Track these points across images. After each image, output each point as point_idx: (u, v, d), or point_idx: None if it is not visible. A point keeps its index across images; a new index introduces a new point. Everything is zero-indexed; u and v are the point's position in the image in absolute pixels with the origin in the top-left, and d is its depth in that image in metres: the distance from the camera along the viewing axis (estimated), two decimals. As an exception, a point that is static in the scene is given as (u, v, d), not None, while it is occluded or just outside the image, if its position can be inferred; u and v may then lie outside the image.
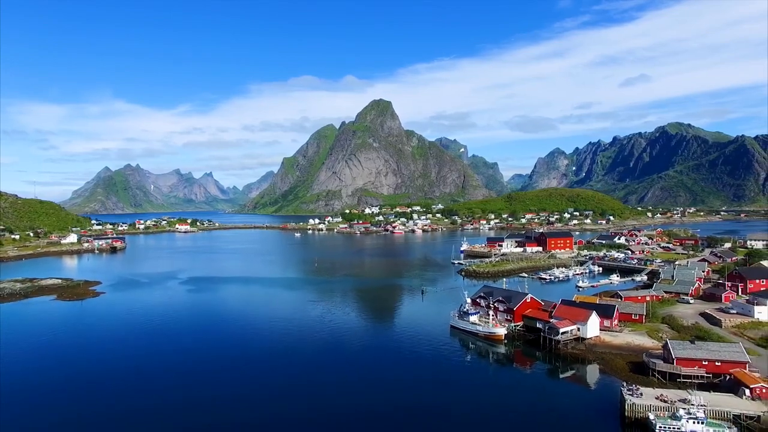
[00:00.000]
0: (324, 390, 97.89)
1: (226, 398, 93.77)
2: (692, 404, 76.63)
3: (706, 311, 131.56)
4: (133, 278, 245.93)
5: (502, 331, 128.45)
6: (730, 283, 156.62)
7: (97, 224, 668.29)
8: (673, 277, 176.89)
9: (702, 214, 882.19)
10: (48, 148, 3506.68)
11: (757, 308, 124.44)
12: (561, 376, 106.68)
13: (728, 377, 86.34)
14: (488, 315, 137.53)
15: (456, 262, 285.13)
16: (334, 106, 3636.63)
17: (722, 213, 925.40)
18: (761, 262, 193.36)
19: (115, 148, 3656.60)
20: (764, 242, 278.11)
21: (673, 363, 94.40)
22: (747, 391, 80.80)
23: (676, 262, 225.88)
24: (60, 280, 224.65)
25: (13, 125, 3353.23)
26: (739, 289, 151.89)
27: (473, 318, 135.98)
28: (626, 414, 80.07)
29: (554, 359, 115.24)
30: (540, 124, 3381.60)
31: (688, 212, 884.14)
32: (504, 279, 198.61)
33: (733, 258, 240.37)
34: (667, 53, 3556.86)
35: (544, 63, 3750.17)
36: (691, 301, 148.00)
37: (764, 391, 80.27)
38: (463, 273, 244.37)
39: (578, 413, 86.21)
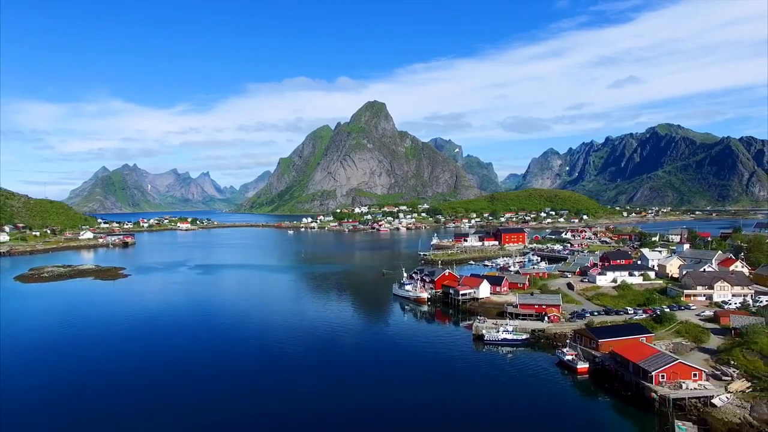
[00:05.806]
0: (290, 338, 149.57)
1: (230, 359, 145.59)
2: (508, 325, 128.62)
3: (570, 281, 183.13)
4: (150, 266, 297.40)
5: (425, 295, 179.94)
6: (601, 263, 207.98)
7: (104, 223, 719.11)
8: (574, 261, 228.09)
9: (677, 213, 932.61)
10: (44, 147, 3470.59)
11: (598, 277, 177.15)
12: (460, 324, 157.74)
13: (545, 314, 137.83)
14: (418, 285, 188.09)
15: (422, 253, 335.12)
16: (330, 107, 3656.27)
17: (696, 213, 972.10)
18: (641, 249, 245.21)
19: (111, 147, 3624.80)
20: (679, 236, 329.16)
21: (517, 307, 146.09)
22: (546, 318, 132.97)
23: (595, 252, 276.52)
24: (93, 266, 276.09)
25: (9, 124, 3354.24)
26: (605, 267, 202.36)
27: (408, 287, 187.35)
28: (474, 332, 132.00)
29: (458, 313, 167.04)
30: (534, 125, 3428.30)
31: (662, 212, 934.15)
32: (439, 264, 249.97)
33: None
34: (663, 53, 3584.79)
35: (542, 63, 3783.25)
36: (569, 276, 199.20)
37: (556, 317, 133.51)
38: (423, 261, 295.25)
39: (455, 339, 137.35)
